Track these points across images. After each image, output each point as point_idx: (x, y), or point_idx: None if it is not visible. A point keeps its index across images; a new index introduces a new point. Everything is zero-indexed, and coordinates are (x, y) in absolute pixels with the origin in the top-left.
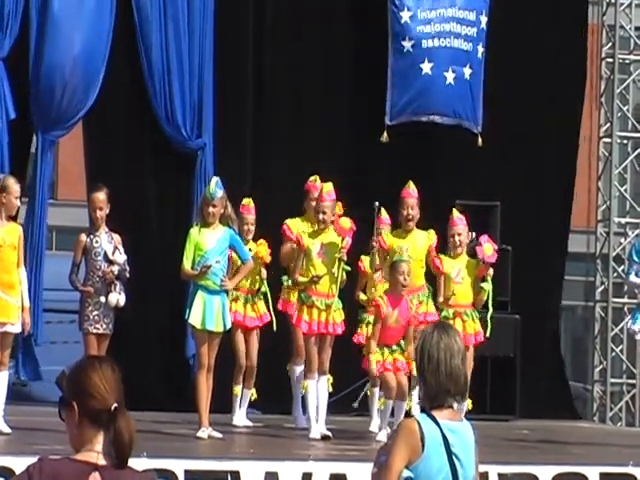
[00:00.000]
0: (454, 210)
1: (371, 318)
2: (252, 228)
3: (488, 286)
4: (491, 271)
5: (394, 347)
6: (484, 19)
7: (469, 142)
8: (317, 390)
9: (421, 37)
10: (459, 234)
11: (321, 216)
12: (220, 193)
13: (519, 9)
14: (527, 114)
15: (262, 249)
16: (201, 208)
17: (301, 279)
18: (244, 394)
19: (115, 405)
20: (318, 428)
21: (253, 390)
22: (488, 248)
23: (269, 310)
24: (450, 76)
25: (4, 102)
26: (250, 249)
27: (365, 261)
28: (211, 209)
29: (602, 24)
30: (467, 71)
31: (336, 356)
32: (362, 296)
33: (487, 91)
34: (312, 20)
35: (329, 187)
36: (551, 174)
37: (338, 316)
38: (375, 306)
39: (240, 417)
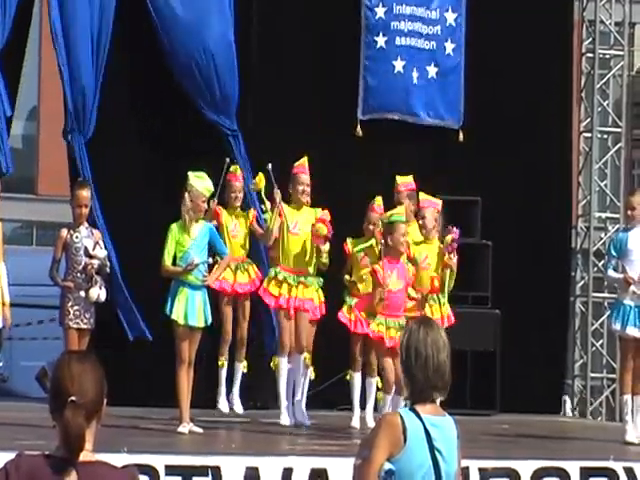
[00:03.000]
0: (421, 194)
1: (353, 302)
2: (240, 196)
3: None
4: (454, 261)
5: (399, 321)
6: (451, 16)
7: (450, 137)
8: (293, 369)
9: (395, 34)
10: (424, 217)
11: (302, 188)
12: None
13: (502, 4)
14: (509, 109)
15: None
16: (191, 203)
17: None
18: (236, 368)
19: (72, 398)
20: (290, 413)
21: (245, 362)
22: (448, 239)
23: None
24: (421, 75)
25: (0, 100)
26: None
27: (350, 244)
28: (202, 204)
29: (582, 19)
30: (432, 70)
31: (317, 347)
32: (347, 277)
33: (469, 86)
34: (290, 11)
35: (303, 160)
36: (533, 169)
37: (316, 297)
38: (372, 273)
39: (225, 400)
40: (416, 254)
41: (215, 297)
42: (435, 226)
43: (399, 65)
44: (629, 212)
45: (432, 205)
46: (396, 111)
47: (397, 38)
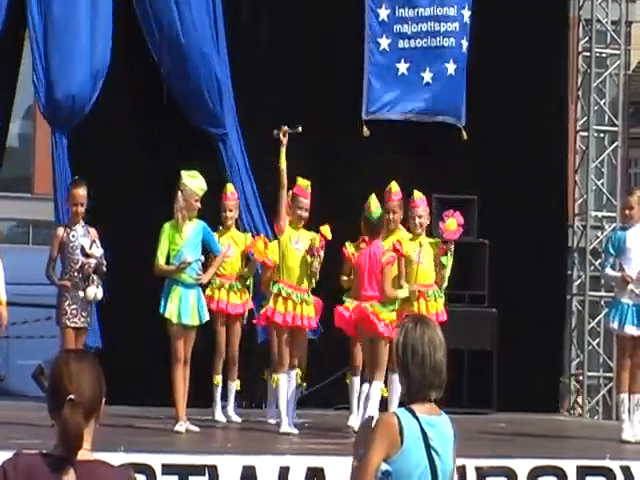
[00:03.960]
0: (415, 192)
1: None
2: (231, 215)
3: (447, 260)
4: (452, 246)
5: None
6: (467, 13)
7: (447, 137)
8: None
9: (398, 37)
10: (420, 216)
11: (300, 212)
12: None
13: (501, 3)
14: (506, 108)
15: (260, 245)
16: (184, 202)
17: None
18: (229, 387)
19: (70, 396)
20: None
21: (237, 381)
22: (451, 223)
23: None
24: (428, 76)
25: None
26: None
27: (349, 247)
28: (195, 203)
29: (579, 18)
30: (451, 67)
31: (314, 348)
32: (346, 279)
33: (468, 85)
34: (294, 10)
35: (306, 182)
36: (530, 168)
37: (312, 310)
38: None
39: (220, 412)
40: (409, 251)
41: (210, 317)
42: (428, 224)
43: (403, 67)
44: (627, 212)
45: (423, 203)
46: (400, 112)
47: (400, 41)
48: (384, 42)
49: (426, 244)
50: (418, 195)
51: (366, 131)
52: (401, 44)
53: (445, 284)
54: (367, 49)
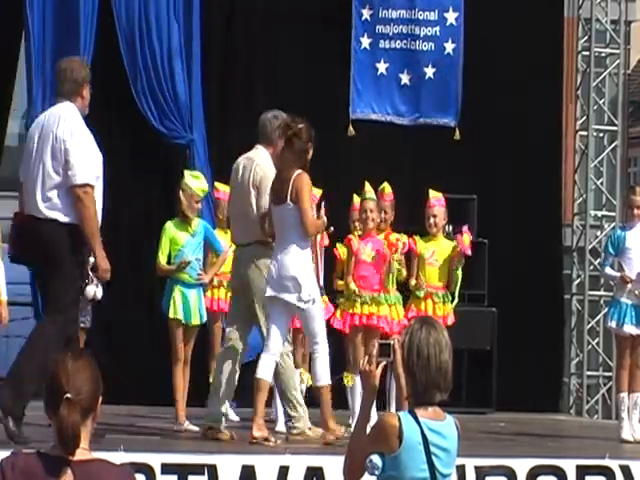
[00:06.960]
0: (430, 191)
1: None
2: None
3: (456, 277)
4: (462, 261)
5: (371, 296)
6: (451, 15)
7: (446, 137)
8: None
9: (379, 37)
10: (434, 215)
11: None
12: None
13: (497, 2)
14: (505, 108)
15: None
16: (186, 202)
17: None
18: None
19: (67, 395)
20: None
21: None
22: (466, 239)
23: None
24: (405, 78)
25: None
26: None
27: (340, 248)
28: (195, 204)
29: (578, 17)
30: (429, 70)
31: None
32: (339, 282)
33: (465, 85)
34: (287, 8)
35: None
36: (529, 168)
37: None
38: (346, 242)
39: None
40: (423, 250)
41: (208, 318)
42: (444, 224)
43: (382, 67)
44: (635, 211)
45: (440, 203)
46: (382, 112)
47: (381, 41)
48: (365, 41)
49: (442, 246)
50: (433, 195)
51: (351, 131)
52: (381, 44)
53: (457, 300)
54: (353, 48)
